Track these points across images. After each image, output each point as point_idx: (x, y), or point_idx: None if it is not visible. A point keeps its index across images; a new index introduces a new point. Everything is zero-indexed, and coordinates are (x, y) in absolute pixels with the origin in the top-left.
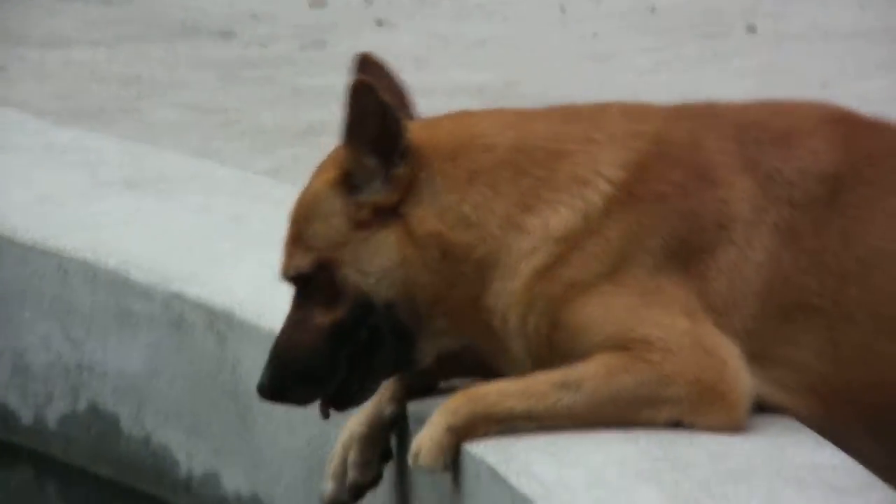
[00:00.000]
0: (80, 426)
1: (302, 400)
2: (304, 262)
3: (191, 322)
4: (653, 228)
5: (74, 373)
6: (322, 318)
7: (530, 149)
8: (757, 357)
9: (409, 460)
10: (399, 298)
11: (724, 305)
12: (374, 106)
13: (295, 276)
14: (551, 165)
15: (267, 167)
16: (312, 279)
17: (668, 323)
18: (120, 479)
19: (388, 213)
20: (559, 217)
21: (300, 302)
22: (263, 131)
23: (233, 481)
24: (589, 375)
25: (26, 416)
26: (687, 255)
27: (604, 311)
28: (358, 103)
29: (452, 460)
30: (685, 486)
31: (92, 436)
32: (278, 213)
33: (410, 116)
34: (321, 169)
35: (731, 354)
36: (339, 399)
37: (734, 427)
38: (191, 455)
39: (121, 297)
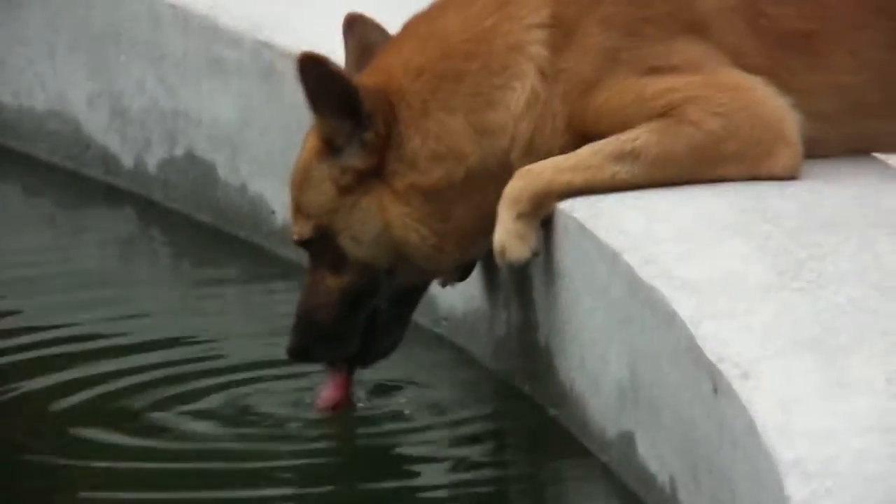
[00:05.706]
0: (179, 172)
1: (326, 359)
2: (306, 228)
3: (280, 71)
4: (609, 25)
5: (170, 118)
6: (332, 282)
7: (455, 49)
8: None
9: (498, 261)
10: (396, 262)
11: (725, 51)
12: (326, 77)
13: (300, 242)
14: (481, 52)
15: None
16: (317, 244)
17: (685, 81)
18: (219, 225)
19: (370, 178)
20: (516, 92)
21: (313, 266)
22: None
23: None
24: (641, 145)
25: (127, 160)
26: (656, 25)
27: (618, 100)
28: (308, 76)
29: (538, 243)
30: (775, 236)
31: (190, 182)
32: None
33: None
34: (308, 138)
35: (758, 85)
36: (364, 356)
37: (798, 161)
38: (286, 205)
39: (211, 44)
